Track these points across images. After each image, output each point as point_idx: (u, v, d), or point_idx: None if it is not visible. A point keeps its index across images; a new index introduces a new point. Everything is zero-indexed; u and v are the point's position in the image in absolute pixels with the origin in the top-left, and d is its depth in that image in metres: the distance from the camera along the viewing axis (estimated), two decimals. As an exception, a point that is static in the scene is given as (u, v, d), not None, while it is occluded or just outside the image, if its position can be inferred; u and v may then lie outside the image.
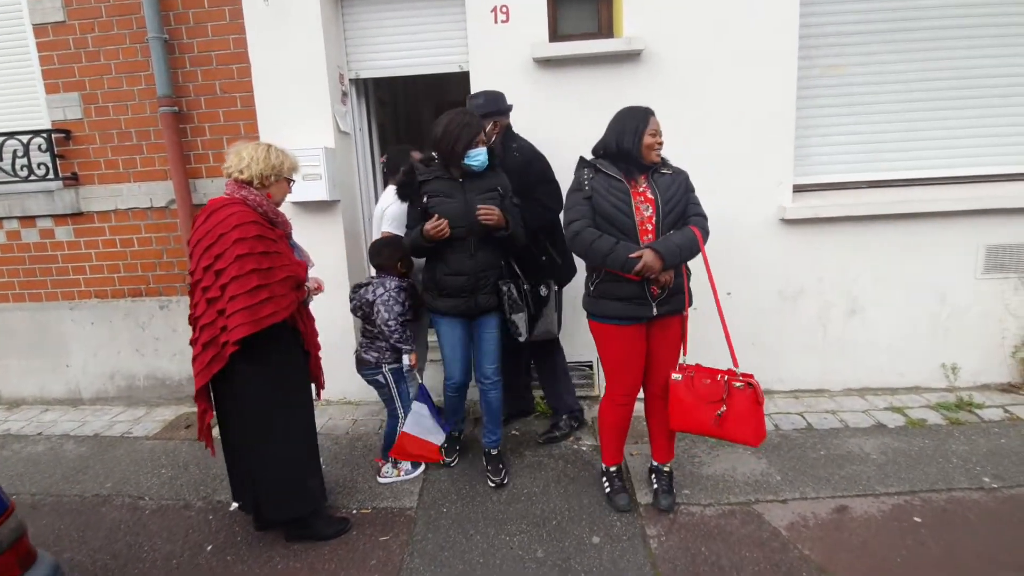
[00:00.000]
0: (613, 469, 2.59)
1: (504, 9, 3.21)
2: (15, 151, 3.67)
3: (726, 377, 2.23)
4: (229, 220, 2.03)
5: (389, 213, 2.86)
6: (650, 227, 2.23)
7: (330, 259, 3.39)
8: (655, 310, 2.26)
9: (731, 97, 3.22)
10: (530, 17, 3.21)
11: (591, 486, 2.65)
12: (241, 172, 2.15)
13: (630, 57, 3.19)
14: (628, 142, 2.23)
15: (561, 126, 3.19)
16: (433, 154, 2.56)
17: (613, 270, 2.23)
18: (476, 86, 3.28)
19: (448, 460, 2.88)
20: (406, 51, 3.49)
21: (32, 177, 3.70)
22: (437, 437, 2.74)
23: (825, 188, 3.43)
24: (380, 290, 2.67)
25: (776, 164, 3.27)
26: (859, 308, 3.42)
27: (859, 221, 3.29)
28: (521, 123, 3.15)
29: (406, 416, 2.72)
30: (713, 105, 3.23)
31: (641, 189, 2.24)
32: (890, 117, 3.37)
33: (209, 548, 2.38)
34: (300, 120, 3.36)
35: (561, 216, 2.43)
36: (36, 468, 3.10)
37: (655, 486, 2.55)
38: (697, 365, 2.33)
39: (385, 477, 2.80)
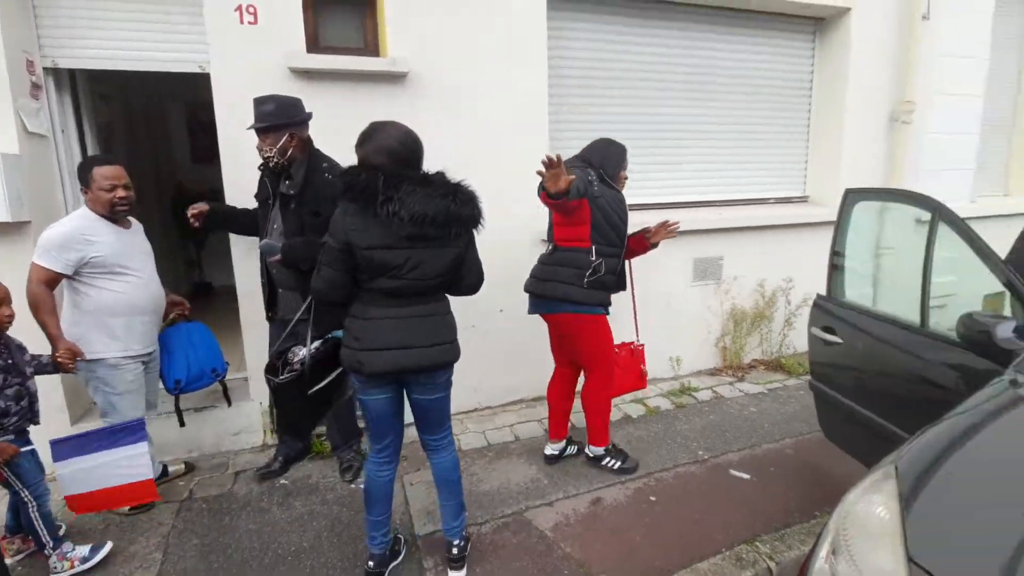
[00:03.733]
0: (611, 445, 2.97)
1: (251, 9, 2.88)
2: None
3: (634, 344, 3.10)
4: None
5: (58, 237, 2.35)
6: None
7: (19, 297, 2.59)
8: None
9: (492, 127, 3.39)
10: (284, 22, 2.95)
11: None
12: None
13: (395, 78, 3.15)
14: (611, 171, 2.66)
15: (320, 140, 2.97)
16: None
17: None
18: (219, 90, 2.90)
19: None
20: (127, 42, 2.89)
21: None
22: (141, 470, 2.28)
23: (578, 212, 3.87)
24: None
25: (534, 194, 3.54)
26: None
27: (604, 241, 3.78)
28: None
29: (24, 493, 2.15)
30: (476, 133, 3.36)
31: None
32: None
33: None
34: (-41, 116, 2.54)
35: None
36: None
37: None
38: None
39: (55, 573, 2.19)
